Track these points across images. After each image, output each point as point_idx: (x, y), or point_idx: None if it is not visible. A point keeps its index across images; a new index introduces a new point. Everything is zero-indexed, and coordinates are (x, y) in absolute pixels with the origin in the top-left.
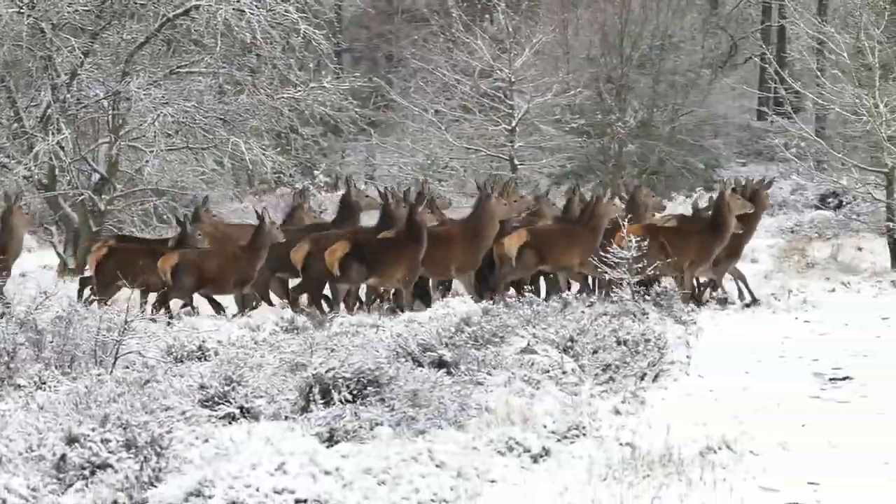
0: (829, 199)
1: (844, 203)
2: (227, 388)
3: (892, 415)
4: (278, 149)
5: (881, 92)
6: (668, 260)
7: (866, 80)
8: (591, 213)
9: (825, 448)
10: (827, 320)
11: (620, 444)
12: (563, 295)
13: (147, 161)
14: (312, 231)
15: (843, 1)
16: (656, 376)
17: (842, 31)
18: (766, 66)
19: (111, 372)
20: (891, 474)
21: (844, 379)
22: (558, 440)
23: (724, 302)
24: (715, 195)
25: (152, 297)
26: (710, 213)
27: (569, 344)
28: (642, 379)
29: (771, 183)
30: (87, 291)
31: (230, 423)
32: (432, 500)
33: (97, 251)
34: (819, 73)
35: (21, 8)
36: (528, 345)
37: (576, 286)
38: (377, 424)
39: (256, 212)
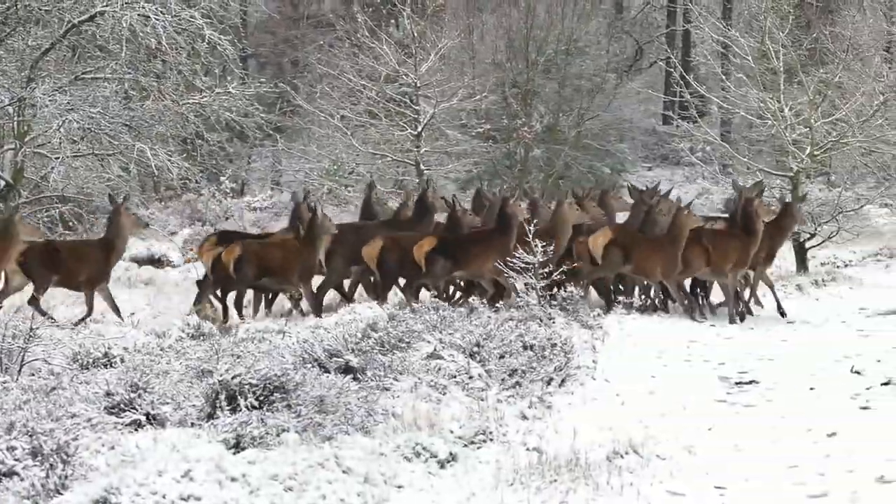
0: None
1: None
2: (132, 395)
3: (798, 419)
4: (184, 155)
5: (786, 95)
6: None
7: (771, 84)
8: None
9: (731, 452)
10: (729, 324)
11: (527, 449)
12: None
13: (52, 167)
14: (385, 227)
15: (747, 5)
16: (563, 381)
17: (746, 35)
18: (672, 70)
19: (17, 379)
20: (796, 478)
21: (750, 383)
22: (465, 445)
23: (629, 306)
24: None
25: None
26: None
27: (475, 349)
28: (549, 384)
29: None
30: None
31: (136, 430)
32: None
33: (230, 252)
34: (724, 77)
35: None
36: (435, 350)
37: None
38: (284, 431)
39: (309, 204)
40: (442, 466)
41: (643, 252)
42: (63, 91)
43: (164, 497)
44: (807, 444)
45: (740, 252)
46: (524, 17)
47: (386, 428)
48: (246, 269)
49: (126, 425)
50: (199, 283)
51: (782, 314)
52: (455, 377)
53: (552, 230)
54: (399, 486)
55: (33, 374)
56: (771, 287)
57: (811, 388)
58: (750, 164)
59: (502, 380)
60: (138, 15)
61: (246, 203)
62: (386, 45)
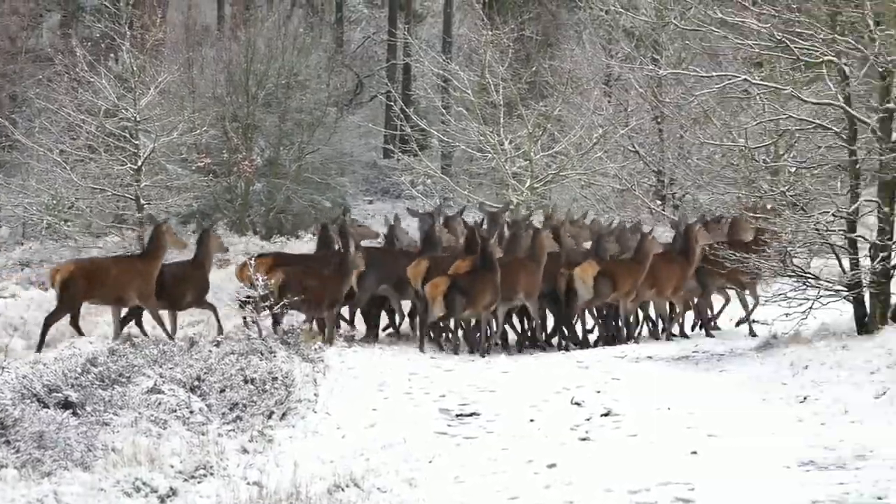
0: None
1: None
2: None
3: (518, 450)
4: None
5: (505, 129)
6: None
7: (491, 118)
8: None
9: (452, 484)
10: (451, 356)
11: (248, 483)
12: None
13: None
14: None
15: (467, 39)
16: (284, 414)
17: (466, 69)
18: (392, 104)
19: None
20: None
21: (471, 415)
22: (185, 480)
23: (351, 339)
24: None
25: None
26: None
27: (196, 383)
28: (270, 417)
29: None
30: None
31: None
32: None
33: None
34: (444, 111)
35: None
36: (155, 384)
37: None
38: (2, 467)
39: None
40: (162, 501)
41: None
42: None
43: None
44: (527, 476)
45: (680, 276)
46: (244, 50)
47: (106, 463)
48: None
49: None
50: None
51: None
52: (175, 411)
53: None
54: None
55: None
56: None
57: (531, 420)
58: (470, 197)
59: (223, 414)
60: None
61: None
62: (105, 80)
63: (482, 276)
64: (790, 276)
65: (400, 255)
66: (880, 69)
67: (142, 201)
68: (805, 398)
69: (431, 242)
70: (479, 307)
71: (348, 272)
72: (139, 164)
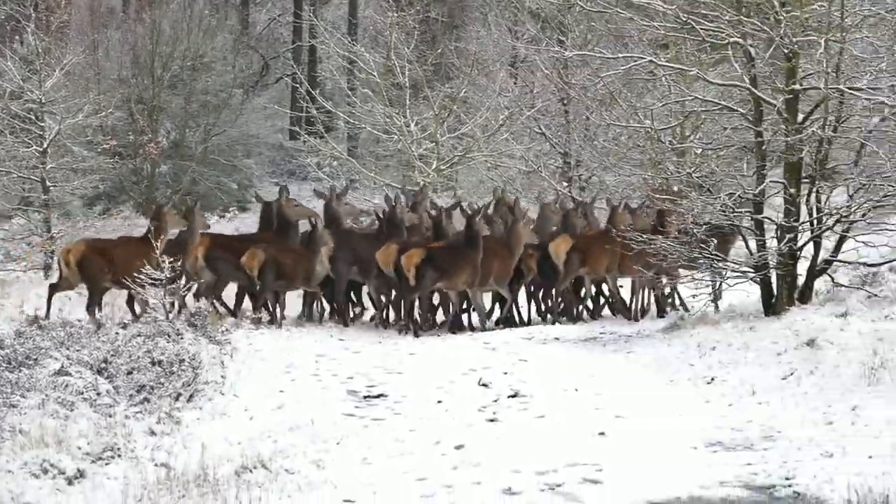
0: (363, 219)
1: None
2: None
3: (426, 431)
4: None
5: (411, 111)
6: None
7: (397, 99)
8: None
9: (360, 466)
10: (359, 338)
11: (156, 465)
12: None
13: None
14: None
15: (372, 21)
16: (191, 396)
17: (372, 51)
18: (298, 86)
19: None
20: (424, 490)
21: (379, 396)
22: (93, 461)
23: (258, 322)
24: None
25: None
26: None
27: (103, 365)
28: (177, 399)
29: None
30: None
31: None
32: None
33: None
34: (350, 93)
35: None
36: (63, 367)
37: None
38: None
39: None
40: (70, 483)
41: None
42: None
43: None
44: (435, 457)
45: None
46: (149, 32)
47: (13, 445)
48: None
49: None
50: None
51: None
52: (83, 393)
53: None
54: None
55: None
56: None
57: (439, 401)
58: (377, 179)
59: (130, 396)
60: None
61: None
62: (10, 62)
63: (464, 253)
64: (696, 258)
65: (361, 238)
66: (786, 50)
67: (47, 183)
68: (712, 379)
69: (395, 225)
70: (457, 284)
71: (318, 250)
72: (45, 146)
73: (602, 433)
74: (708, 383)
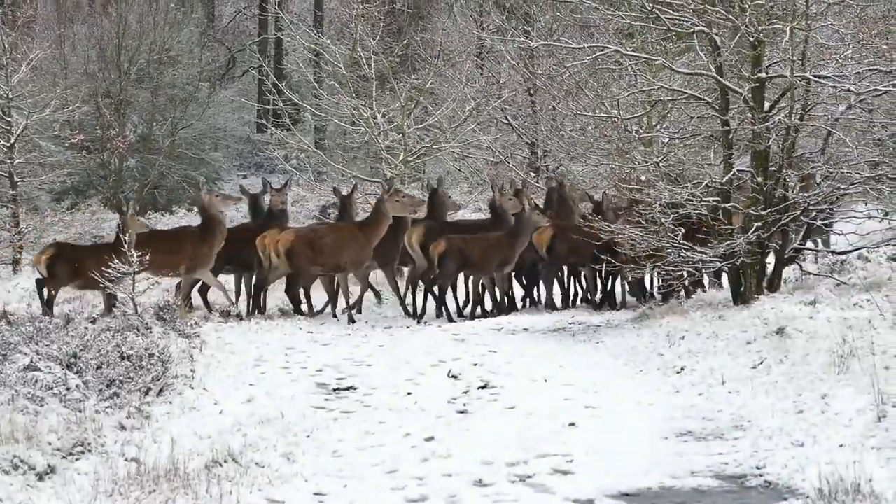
0: (330, 210)
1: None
2: None
3: (396, 423)
4: None
5: (378, 102)
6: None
7: (363, 91)
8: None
9: (330, 458)
10: (327, 330)
11: (126, 460)
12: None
13: None
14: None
15: (338, 13)
16: (161, 391)
17: (338, 43)
18: (264, 78)
19: None
20: (395, 483)
21: (348, 389)
22: (63, 457)
23: (226, 314)
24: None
25: None
26: None
27: (72, 360)
28: (147, 394)
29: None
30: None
31: None
32: None
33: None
34: (317, 85)
35: None
36: (32, 362)
37: None
38: None
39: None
40: (40, 479)
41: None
42: None
43: None
44: (405, 449)
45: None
46: (115, 27)
47: None
48: None
49: None
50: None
51: None
52: (52, 389)
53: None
54: None
55: None
56: None
57: (409, 393)
58: (344, 171)
59: (100, 390)
60: None
61: None
62: None
63: (498, 239)
64: (665, 247)
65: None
66: (751, 39)
67: (15, 178)
68: (682, 369)
69: (348, 216)
70: (487, 270)
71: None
72: (12, 141)
73: (572, 423)
74: (678, 373)
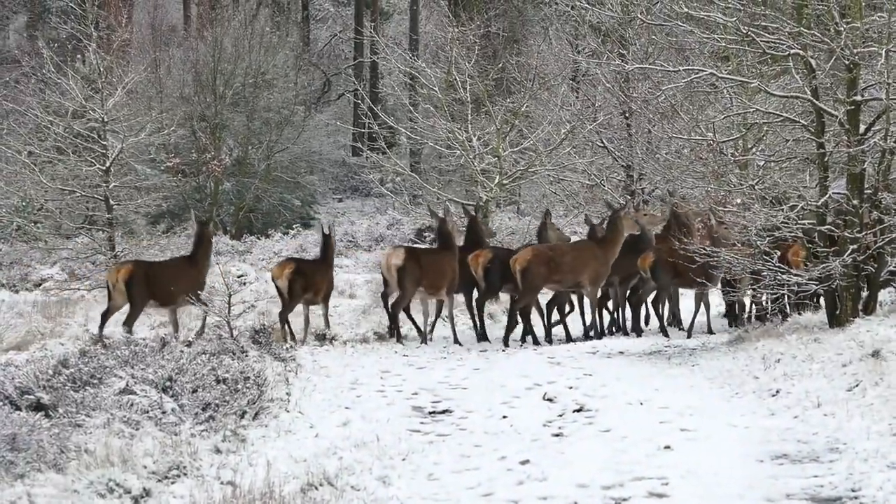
0: (426, 234)
1: None
2: None
3: (491, 447)
4: None
5: (473, 126)
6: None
7: (458, 114)
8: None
9: (426, 482)
10: (423, 354)
11: (221, 483)
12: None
13: None
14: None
15: (433, 36)
16: (256, 414)
17: (433, 66)
18: (360, 102)
19: None
20: None
21: (444, 412)
22: (159, 480)
23: (322, 338)
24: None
25: None
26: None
27: (168, 383)
28: (242, 417)
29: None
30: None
31: None
32: None
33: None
34: (412, 108)
35: None
36: (127, 385)
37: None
38: None
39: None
40: (136, 502)
41: None
42: None
43: None
44: (500, 472)
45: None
46: (211, 50)
47: (79, 464)
48: None
49: None
50: None
51: None
52: (148, 412)
53: None
54: None
55: None
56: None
57: (504, 416)
58: (440, 195)
59: (196, 414)
60: None
61: None
62: (72, 81)
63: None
64: (762, 270)
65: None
66: (846, 61)
67: (111, 202)
68: (777, 391)
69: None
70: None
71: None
72: (107, 164)
73: (668, 447)
74: (773, 395)
